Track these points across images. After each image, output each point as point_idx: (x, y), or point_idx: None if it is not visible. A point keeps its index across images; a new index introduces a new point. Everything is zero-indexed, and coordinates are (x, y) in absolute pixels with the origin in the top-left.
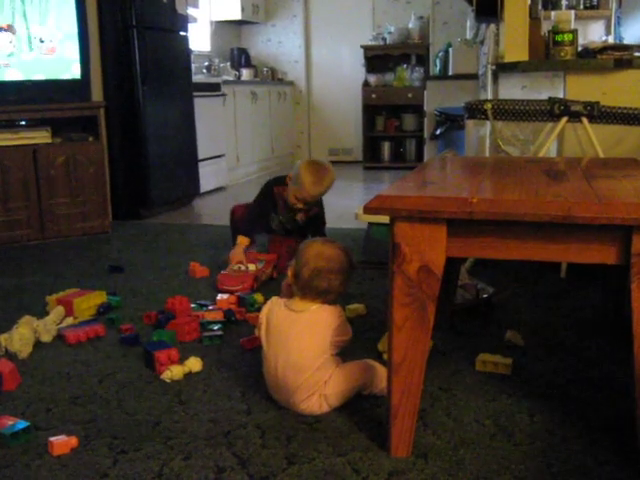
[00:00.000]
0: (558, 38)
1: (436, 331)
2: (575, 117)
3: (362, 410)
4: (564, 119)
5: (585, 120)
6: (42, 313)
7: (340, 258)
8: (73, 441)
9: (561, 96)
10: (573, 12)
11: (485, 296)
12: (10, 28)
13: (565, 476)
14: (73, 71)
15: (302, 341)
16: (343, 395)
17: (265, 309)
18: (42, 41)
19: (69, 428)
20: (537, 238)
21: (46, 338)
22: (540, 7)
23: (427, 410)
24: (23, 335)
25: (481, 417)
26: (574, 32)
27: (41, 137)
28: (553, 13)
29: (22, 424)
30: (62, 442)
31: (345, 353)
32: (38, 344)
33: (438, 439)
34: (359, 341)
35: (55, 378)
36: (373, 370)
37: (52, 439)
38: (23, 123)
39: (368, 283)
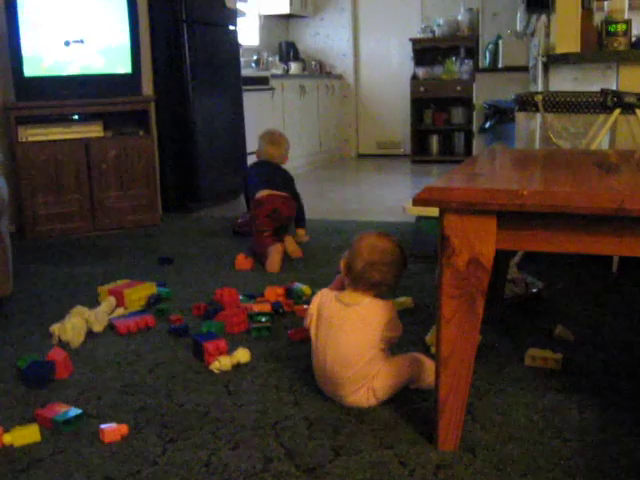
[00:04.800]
0: (611, 28)
1: (485, 325)
2: (628, 109)
3: (409, 403)
4: (617, 111)
5: (639, 112)
6: (94, 303)
7: (394, 251)
8: (123, 429)
9: (614, 88)
10: (627, 1)
11: (534, 290)
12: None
13: (616, 473)
14: (124, 66)
15: (352, 335)
16: (391, 389)
17: (315, 301)
18: (81, 41)
19: (120, 416)
20: (588, 231)
21: (97, 328)
22: None
23: (475, 404)
24: (75, 325)
25: (530, 412)
26: (628, 22)
27: (93, 131)
28: (606, 3)
29: (74, 411)
30: (113, 430)
31: (393, 346)
32: (90, 334)
33: (486, 434)
34: (406, 334)
35: (106, 367)
36: (421, 364)
37: (103, 427)
38: (76, 117)
39: (416, 276)
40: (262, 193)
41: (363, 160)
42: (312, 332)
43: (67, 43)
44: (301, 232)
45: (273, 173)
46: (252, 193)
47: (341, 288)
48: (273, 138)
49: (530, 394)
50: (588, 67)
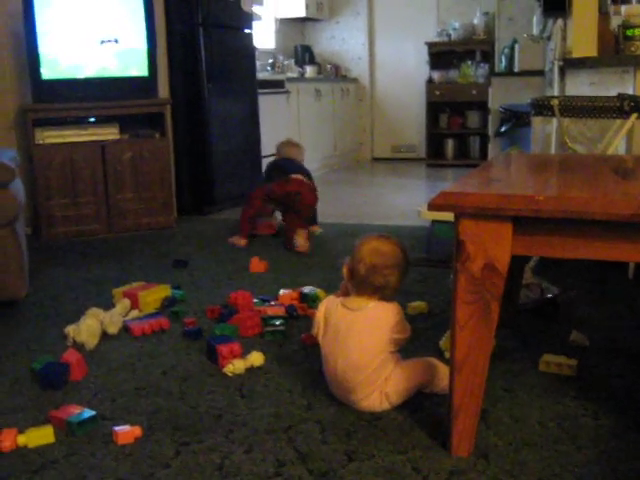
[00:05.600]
0: (628, 33)
1: (499, 330)
2: None
3: (423, 408)
4: (634, 116)
5: None
6: (108, 305)
7: (396, 253)
8: (137, 431)
9: (631, 92)
10: None
11: (550, 296)
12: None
13: None
14: (141, 69)
15: (361, 340)
16: (404, 392)
17: (322, 309)
18: (117, 41)
19: (133, 418)
20: (605, 237)
21: (112, 330)
22: (609, 1)
23: (489, 410)
24: (90, 327)
25: (544, 419)
26: None
27: (109, 133)
28: (623, 7)
29: (88, 413)
30: (126, 432)
31: (406, 351)
32: (104, 336)
33: (500, 440)
34: (420, 339)
35: (120, 369)
36: (434, 368)
37: (116, 429)
38: (92, 120)
39: (430, 281)
40: (297, 176)
41: (378, 164)
42: (321, 340)
43: (102, 42)
44: (315, 228)
45: (302, 167)
46: (281, 175)
47: (347, 294)
48: (292, 142)
49: (544, 400)
50: (605, 71)
